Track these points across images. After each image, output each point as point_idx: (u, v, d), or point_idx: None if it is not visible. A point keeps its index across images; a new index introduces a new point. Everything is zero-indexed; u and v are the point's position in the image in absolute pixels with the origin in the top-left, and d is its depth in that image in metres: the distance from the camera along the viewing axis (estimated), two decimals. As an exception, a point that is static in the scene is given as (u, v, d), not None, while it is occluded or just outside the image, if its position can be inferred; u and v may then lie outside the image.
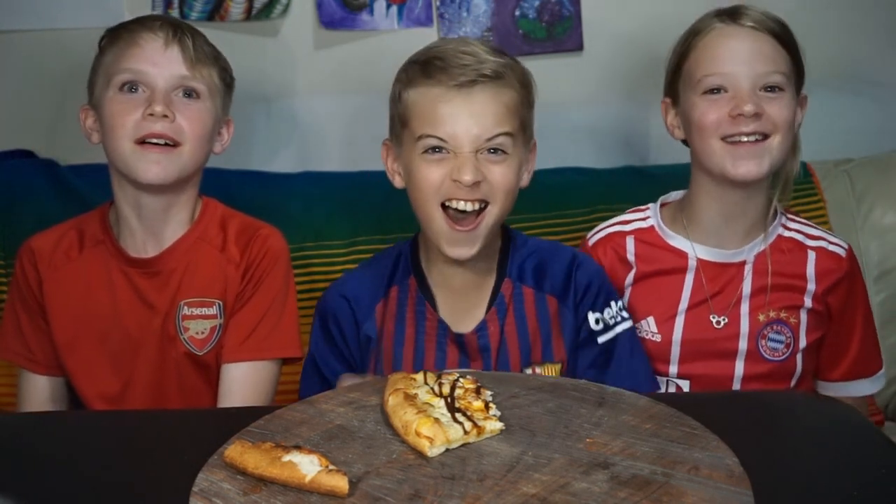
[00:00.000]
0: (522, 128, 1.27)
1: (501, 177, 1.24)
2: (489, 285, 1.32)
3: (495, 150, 1.23)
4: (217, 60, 1.40)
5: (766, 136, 1.35)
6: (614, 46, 1.89)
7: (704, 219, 1.44)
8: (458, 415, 0.93)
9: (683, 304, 1.43)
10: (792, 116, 1.38)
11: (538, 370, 1.29)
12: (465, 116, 1.22)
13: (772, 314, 1.42)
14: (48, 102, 1.83)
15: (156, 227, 1.40)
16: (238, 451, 0.87)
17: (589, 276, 1.34)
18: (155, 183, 1.33)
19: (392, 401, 0.96)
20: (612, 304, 1.34)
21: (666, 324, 1.42)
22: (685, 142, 1.46)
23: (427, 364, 1.29)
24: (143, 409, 1.38)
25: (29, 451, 1.00)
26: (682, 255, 1.44)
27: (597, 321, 1.32)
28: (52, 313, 1.41)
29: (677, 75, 1.44)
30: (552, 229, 1.72)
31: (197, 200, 1.45)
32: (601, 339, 1.32)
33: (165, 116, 1.32)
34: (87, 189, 1.68)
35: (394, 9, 1.84)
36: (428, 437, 0.89)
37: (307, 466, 0.83)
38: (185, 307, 1.39)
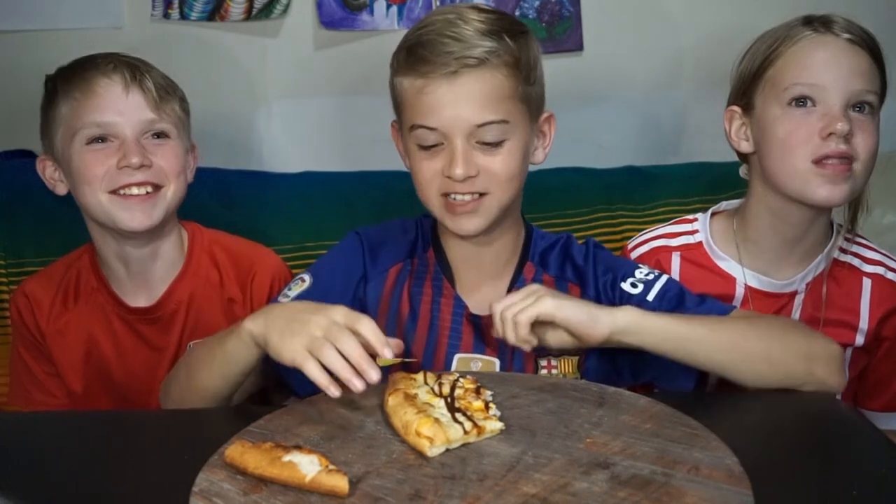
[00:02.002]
0: (525, 104, 1.21)
1: (498, 166, 1.18)
2: (510, 271, 1.28)
3: (490, 143, 1.18)
4: (175, 91, 1.35)
5: (850, 160, 1.25)
6: (614, 46, 1.89)
7: (762, 240, 1.35)
8: (458, 415, 0.93)
9: None
10: (877, 143, 1.27)
11: (553, 361, 1.23)
12: (450, 104, 1.16)
13: None
14: (48, 103, 1.82)
15: (146, 274, 1.38)
16: (238, 451, 0.88)
17: (605, 258, 1.29)
18: (141, 230, 1.30)
19: (392, 401, 0.96)
20: (639, 268, 1.27)
21: None
22: (743, 156, 1.36)
23: (439, 345, 1.24)
24: (142, 410, 1.38)
25: (29, 451, 1.00)
26: (730, 281, 1.35)
27: (633, 285, 1.24)
28: (60, 366, 1.39)
29: (756, 83, 1.31)
30: (552, 229, 1.71)
31: (180, 231, 1.41)
32: (651, 296, 1.23)
33: (142, 165, 1.28)
34: (87, 189, 1.68)
35: (394, 9, 1.84)
36: (428, 437, 0.89)
37: (307, 466, 0.83)
38: None
